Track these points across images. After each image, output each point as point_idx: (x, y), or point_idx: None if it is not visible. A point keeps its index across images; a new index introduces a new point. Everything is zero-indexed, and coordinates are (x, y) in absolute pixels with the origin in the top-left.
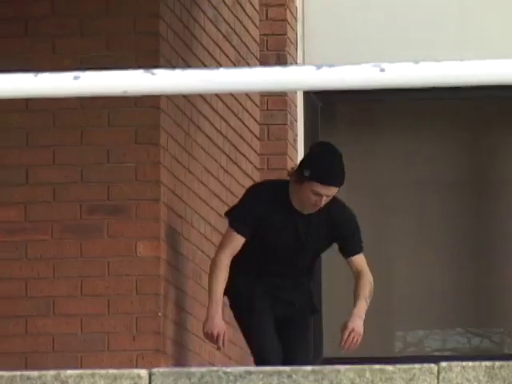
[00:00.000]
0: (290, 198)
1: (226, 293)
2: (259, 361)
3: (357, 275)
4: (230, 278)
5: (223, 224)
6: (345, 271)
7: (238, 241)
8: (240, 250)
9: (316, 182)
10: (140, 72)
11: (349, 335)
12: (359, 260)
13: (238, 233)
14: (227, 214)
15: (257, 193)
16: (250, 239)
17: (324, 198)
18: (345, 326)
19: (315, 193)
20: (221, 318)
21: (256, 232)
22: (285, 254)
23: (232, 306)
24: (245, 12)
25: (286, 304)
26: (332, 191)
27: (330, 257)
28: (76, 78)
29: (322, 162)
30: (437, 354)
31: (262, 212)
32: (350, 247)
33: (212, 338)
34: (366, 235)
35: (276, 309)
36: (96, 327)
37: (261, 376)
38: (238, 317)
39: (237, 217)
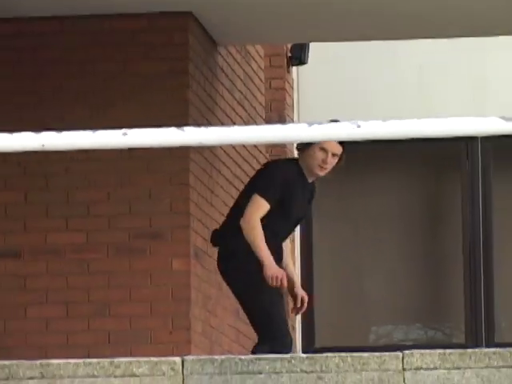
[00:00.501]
0: (302, 169)
1: (231, 268)
2: (281, 335)
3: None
4: (241, 249)
5: None
6: (336, 265)
7: (265, 208)
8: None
9: None
10: (173, 129)
11: (303, 303)
12: None
13: (266, 201)
14: (257, 186)
15: (280, 167)
16: (274, 208)
17: (329, 156)
18: (301, 297)
19: (322, 149)
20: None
21: (280, 201)
22: (293, 221)
23: (241, 280)
24: (253, 83)
25: None
26: (336, 148)
27: (320, 249)
28: (124, 134)
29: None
30: (402, 343)
31: (287, 183)
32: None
33: (277, 280)
34: (349, 253)
35: None
36: (141, 325)
37: (267, 361)
38: (250, 292)
39: (266, 187)
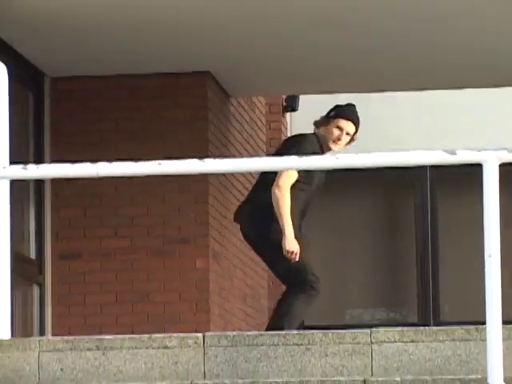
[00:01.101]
0: (321, 143)
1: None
2: (313, 277)
3: None
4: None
5: (245, 247)
6: (320, 263)
7: (294, 177)
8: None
9: (339, 117)
10: (195, 160)
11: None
12: None
13: (296, 171)
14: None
15: (309, 141)
16: (301, 180)
17: (344, 134)
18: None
19: (338, 127)
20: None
21: (306, 174)
22: (312, 192)
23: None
24: (257, 125)
25: None
26: (350, 127)
27: (311, 232)
28: (159, 164)
29: (345, 106)
30: (370, 323)
31: (313, 154)
32: None
33: (293, 254)
34: (331, 255)
35: None
36: (172, 309)
37: (267, 336)
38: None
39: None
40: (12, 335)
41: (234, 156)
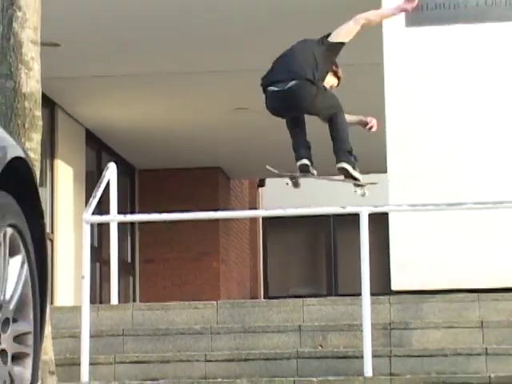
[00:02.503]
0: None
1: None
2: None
3: None
4: None
5: (243, 256)
6: (280, 258)
7: (353, 34)
8: None
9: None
10: (212, 212)
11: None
12: None
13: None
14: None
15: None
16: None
17: (336, 82)
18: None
19: (338, 76)
20: None
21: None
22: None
23: None
24: (243, 193)
25: None
26: (343, 80)
27: (272, 248)
28: (194, 214)
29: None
30: (302, 295)
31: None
32: None
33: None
34: (288, 253)
35: None
36: (201, 289)
37: (250, 303)
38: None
39: None
40: (118, 302)
41: (232, 209)
